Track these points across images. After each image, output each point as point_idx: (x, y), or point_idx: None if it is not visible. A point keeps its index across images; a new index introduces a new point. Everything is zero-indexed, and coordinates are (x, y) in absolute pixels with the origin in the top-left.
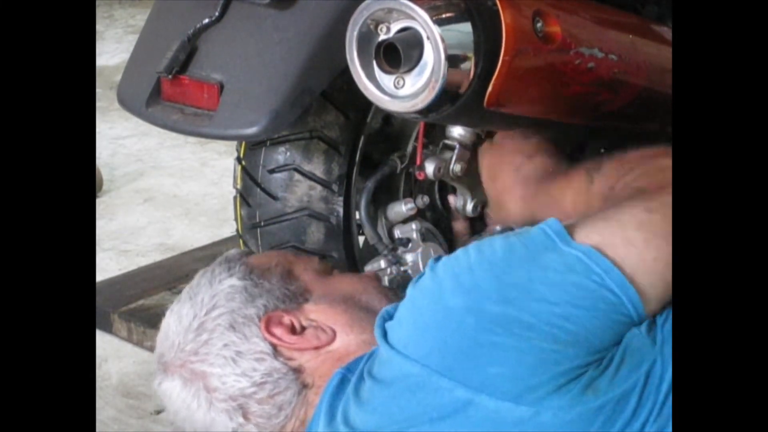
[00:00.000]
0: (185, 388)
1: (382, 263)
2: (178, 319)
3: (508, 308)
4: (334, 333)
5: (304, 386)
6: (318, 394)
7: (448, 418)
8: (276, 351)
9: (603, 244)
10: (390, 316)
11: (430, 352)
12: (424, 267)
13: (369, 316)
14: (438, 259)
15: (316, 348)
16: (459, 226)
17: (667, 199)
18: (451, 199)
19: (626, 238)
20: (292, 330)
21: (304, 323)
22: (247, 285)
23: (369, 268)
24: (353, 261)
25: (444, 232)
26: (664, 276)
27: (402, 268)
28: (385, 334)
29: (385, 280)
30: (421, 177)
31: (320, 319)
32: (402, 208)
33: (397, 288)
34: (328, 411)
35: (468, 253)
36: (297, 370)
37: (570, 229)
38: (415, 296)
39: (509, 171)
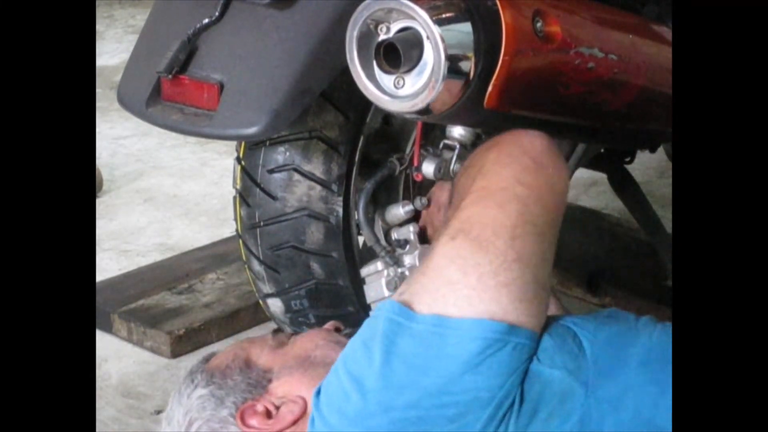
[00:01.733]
0: None
1: (380, 265)
2: (168, 425)
3: (391, 413)
4: (304, 400)
5: None
6: None
7: None
8: None
9: (438, 305)
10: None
11: None
12: None
13: (328, 369)
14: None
15: (294, 421)
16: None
17: (465, 205)
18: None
19: (450, 281)
20: (267, 414)
21: (276, 403)
22: (212, 390)
23: (366, 270)
24: (353, 261)
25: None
26: (514, 289)
27: (400, 270)
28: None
29: (383, 282)
30: (418, 178)
31: (287, 393)
32: (400, 210)
33: (395, 290)
34: None
35: (342, 384)
36: None
37: (407, 302)
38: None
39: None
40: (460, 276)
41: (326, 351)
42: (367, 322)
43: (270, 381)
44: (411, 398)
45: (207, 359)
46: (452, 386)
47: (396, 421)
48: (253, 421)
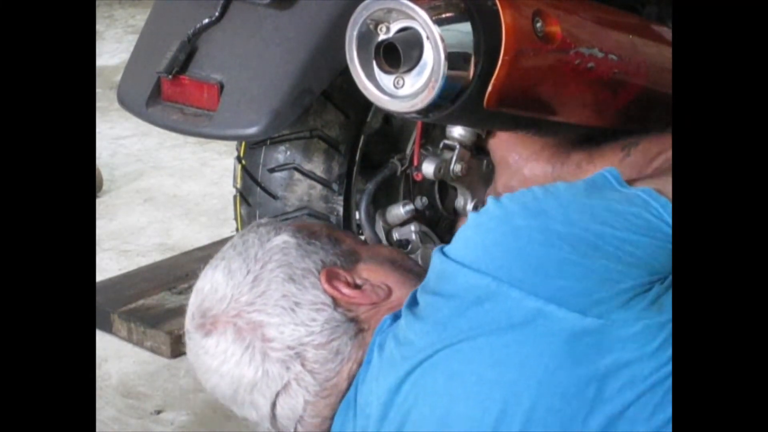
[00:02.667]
0: (237, 340)
1: None
2: (228, 273)
3: (574, 228)
4: (390, 289)
5: (361, 330)
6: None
7: (517, 328)
8: (335, 303)
9: (658, 188)
10: (442, 247)
11: (500, 265)
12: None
13: (414, 277)
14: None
15: (374, 303)
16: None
17: None
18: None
19: None
20: (350, 285)
21: (359, 281)
22: (299, 241)
23: None
24: None
25: (442, 233)
26: None
27: None
28: (444, 255)
29: None
30: (418, 178)
31: (372, 278)
32: (401, 210)
33: None
34: (379, 346)
35: (532, 189)
36: (354, 320)
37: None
38: (480, 220)
39: (532, 141)
40: None
41: (411, 264)
42: None
43: (357, 261)
44: (594, 229)
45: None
46: (633, 242)
47: (569, 235)
48: (338, 284)
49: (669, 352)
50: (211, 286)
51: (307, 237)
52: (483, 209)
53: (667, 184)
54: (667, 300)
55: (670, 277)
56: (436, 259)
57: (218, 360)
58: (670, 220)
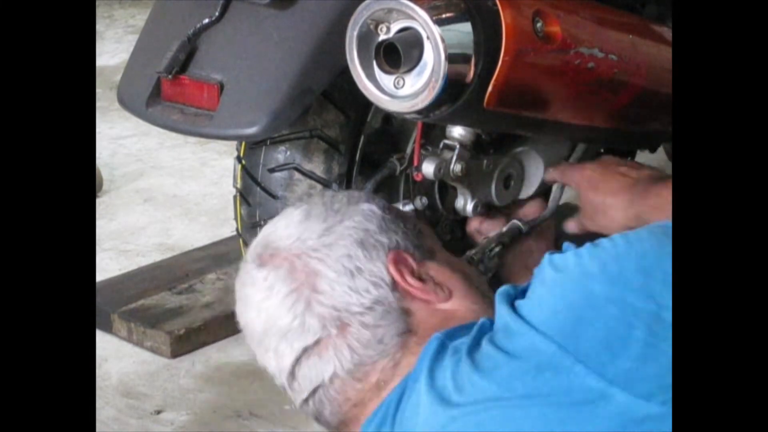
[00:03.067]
0: (288, 278)
1: None
2: (306, 216)
3: (652, 305)
4: (451, 293)
5: (409, 331)
6: (419, 345)
7: (577, 406)
8: (394, 285)
9: None
10: (511, 294)
11: (568, 334)
12: None
13: (479, 293)
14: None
15: (429, 302)
16: (474, 225)
17: None
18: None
19: None
20: (413, 275)
21: (424, 276)
22: (384, 216)
23: None
24: None
25: (442, 233)
26: None
27: None
28: (512, 310)
29: None
30: (418, 178)
31: (439, 278)
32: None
33: None
34: (429, 374)
35: (615, 243)
36: (406, 312)
37: None
38: (556, 277)
39: (615, 176)
40: None
41: (481, 282)
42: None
43: (431, 259)
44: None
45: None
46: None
47: (644, 312)
48: (403, 269)
49: None
50: (285, 223)
51: (394, 216)
52: (561, 260)
53: None
54: None
55: None
56: (504, 311)
57: (262, 294)
58: None
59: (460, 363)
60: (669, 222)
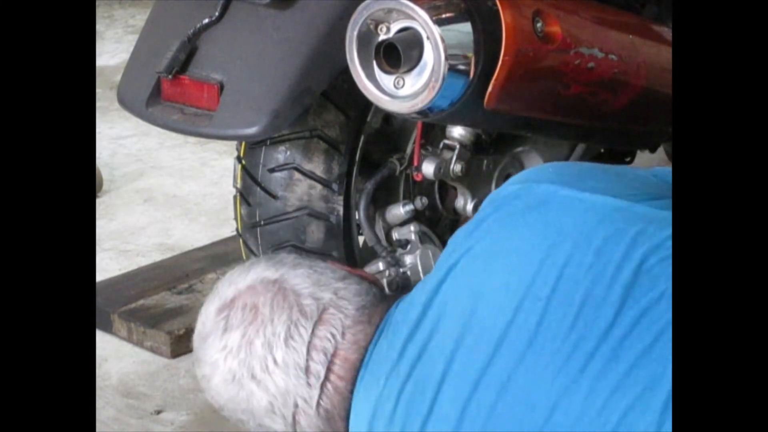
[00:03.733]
0: (265, 292)
1: (381, 265)
2: (248, 266)
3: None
4: None
5: (384, 298)
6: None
7: (556, 205)
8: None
9: None
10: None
11: (551, 178)
12: (422, 269)
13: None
14: None
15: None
16: None
17: None
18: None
19: None
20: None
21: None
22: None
23: (367, 269)
24: (353, 260)
25: (441, 233)
26: None
27: (401, 270)
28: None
29: (384, 282)
30: (418, 178)
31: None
32: (400, 210)
33: (397, 290)
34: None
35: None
36: (372, 283)
37: None
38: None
39: None
40: None
41: None
42: None
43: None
44: None
45: None
46: None
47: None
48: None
49: None
50: (229, 280)
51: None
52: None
53: None
54: None
55: None
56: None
57: (243, 325)
58: None
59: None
60: None
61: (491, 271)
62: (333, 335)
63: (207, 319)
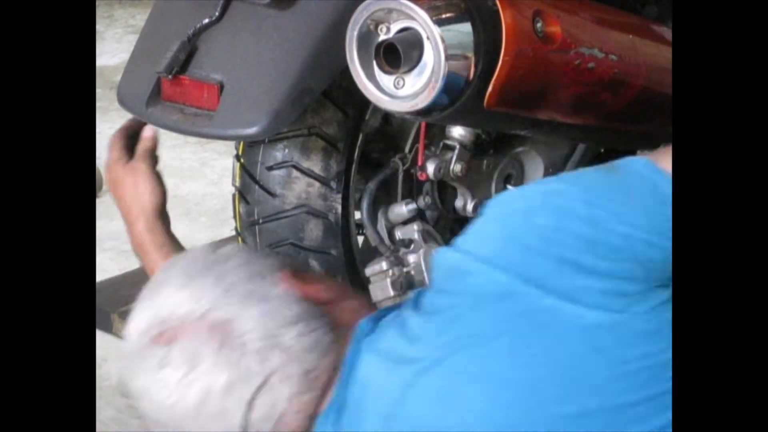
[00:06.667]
0: (208, 340)
1: (384, 265)
2: (185, 279)
3: (596, 230)
4: (342, 289)
5: (336, 326)
6: (350, 336)
7: (539, 328)
8: (303, 294)
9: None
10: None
11: (520, 264)
12: (426, 268)
13: (356, 295)
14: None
15: (337, 300)
16: None
17: None
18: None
19: None
20: (309, 282)
21: (319, 279)
22: (248, 249)
23: (370, 269)
24: (352, 258)
25: (442, 232)
26: None
27: (405, 270)
28: (455, 249)
29: (388, 282)
30: (422, 177)
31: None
32: (403, 209)
33: (401, 290)
34: (368, 346)
35: (560, 177)
36: (324, 314)
37: (656, 159)
38: (502, 211)
39: None
40: None
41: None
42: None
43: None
44: (617, 230)
45: None
46: (658, 246)
47: (590, 238)
48: (299, 281)
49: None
50: (166, 294)
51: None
52: (505, 196)
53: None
54: None
55: None
56: (447, 254)
57: (183, 369)
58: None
59: (406, 320)
60: (622, 160)
61: (474, 399)
62: (275, 404)
63: (139, 332)
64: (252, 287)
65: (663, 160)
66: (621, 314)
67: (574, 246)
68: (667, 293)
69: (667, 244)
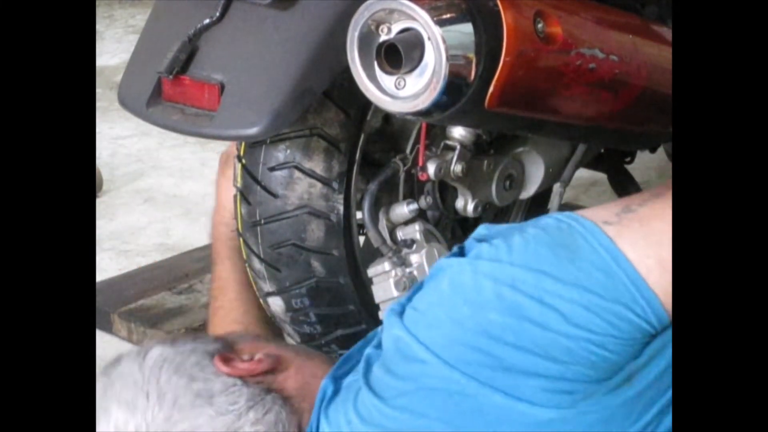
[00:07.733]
0: None
1: (387, 265)
2: (127, 406)
3: (548, 333)
4: (278, 357)
5: (287, 398)
6: (306, 401)
7: (491, 425)
8: (244, 380)
9: (640, 261)
10: (403, 305)
11: (468, 362)
12: (429, 268)
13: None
14: (462, 249)
15: (275, 370)
16: None
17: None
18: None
19: (661, 256)
20: (245, 361)
21: (246, 357)
22: (173, 347)
23: (373, 270)
24: (353, 259)
25: (443, 232)
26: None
27: (407, 270)
28: (407, 330)
29: (391, 282)
30: (423, 178)
31: (255, 353)
32: (405, 209)
33: (404, 290)
34: (324, 420)
35: (513, 252)
36: (271, 390)
37: (620, 233)
38: (452, 295)
39: None
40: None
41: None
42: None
43: (234, 345)
44: (569, 332)
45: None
46: (610, 346)
47: (542, 340)
48: (235, 363)
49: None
50: (116, 426)
51: (175, 342)
52: (458, 273)
53: (650, 244)
54: (638, 374)
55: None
56: (395, 326)
57: None
58: (652, 318)
59: (359, 394)
60: (578, 238)
61: None
62: None
63: None
64: (193, 393)
65: (626, 234)
66: (570, 410)
67: (524, 348)
68: (621, 375)
69: (618, 345)
